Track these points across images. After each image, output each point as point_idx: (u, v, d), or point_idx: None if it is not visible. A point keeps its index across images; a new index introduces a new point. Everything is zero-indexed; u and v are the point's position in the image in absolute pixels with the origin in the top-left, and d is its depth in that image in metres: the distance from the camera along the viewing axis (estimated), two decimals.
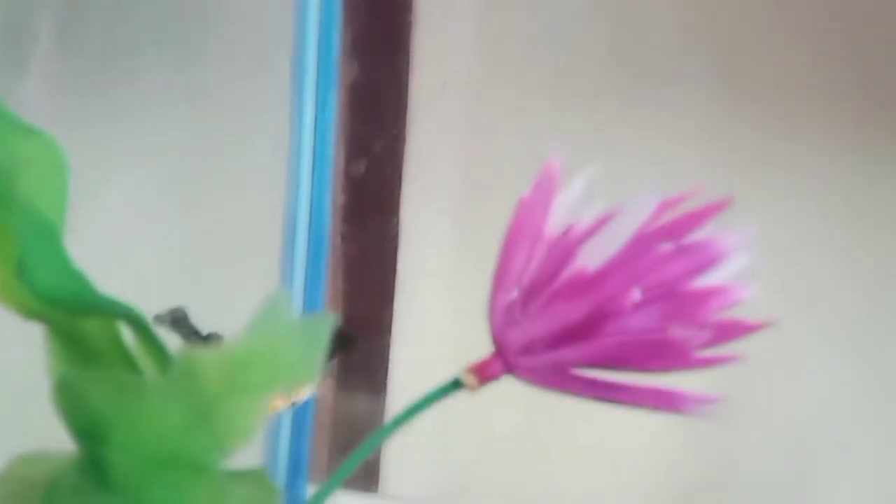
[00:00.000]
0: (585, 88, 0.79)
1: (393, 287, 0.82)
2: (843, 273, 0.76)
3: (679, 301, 0.37)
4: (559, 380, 0.38)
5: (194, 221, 0.80)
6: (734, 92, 0.77)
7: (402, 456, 0.81)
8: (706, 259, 0.37)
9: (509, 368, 0.38)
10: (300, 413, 0.74)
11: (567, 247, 0.37)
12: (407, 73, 0.83)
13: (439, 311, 0.81)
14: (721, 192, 0.75)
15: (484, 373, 0.38)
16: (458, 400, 0.79)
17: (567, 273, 0.37)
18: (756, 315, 0.37)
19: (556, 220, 0.38)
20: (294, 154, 0.74)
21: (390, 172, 0.84)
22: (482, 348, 0.39)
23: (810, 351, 0.76)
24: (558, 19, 0.79)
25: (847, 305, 0.77)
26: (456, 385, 0.38)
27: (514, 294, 0.38)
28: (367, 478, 0.83)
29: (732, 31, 0.77)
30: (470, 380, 0.38)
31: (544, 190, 0.37)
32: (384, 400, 0.82)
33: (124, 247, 0.80)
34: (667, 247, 0.36)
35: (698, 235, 0.37)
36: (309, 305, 0.75)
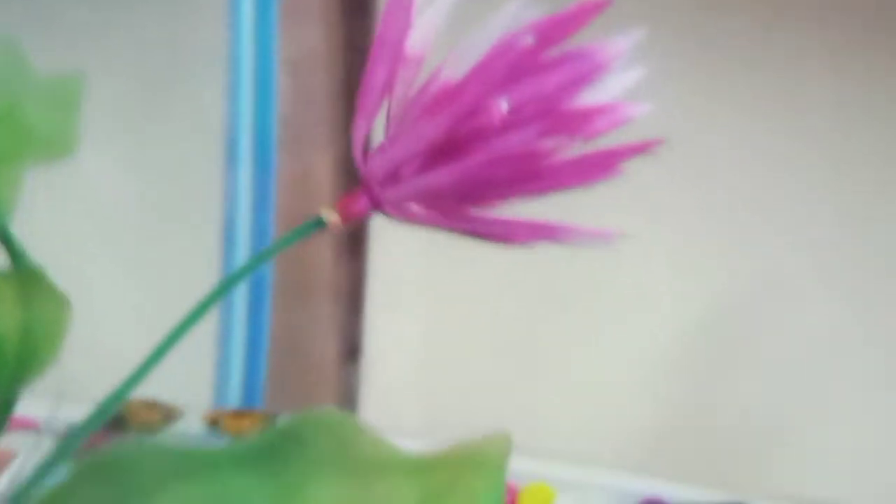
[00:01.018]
0: None
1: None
2: (836, 210, 0.73)
3: (560, 118, 0.33)
4: (428, 213, 0.34)
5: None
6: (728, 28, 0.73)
7: (381, 389, 0.78)
8: (587, 70, 0.33)
9: (375, 202, 0.34)
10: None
11: (431, 70, 0.33)
12: None
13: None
14: (720, 132, 0.72)
15: (348, 209, 0.34)
16: (441, 329, 0.76)
17: (429, 87, 0.33)
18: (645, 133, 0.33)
19: (419, 34, 0.34)
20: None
21: None
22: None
23: (804, 287, 0.73)
24: None
25: (841, 243, 0.73)
26: (319, 224, 0.34)
27: (376, 118, 0.34)
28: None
29: None
30: (333, 217, 0.34)
31: (399, 8, 0.33)
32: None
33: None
34: (529, 39, 0.31)
35: (579, 44, 0.33)
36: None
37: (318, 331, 0.87)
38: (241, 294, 0.77)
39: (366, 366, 0.83)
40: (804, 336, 0.72)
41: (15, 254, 0.29)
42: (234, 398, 0.75)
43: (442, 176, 0.33)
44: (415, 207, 0.34)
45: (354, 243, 0.90)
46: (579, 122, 0.33)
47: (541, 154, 0.32)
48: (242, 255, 0.74)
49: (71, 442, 0.33)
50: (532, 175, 0.32)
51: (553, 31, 0.32)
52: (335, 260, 0.89)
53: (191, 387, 0.71)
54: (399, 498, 0.29)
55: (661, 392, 0.74)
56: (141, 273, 0.77)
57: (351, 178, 0.92)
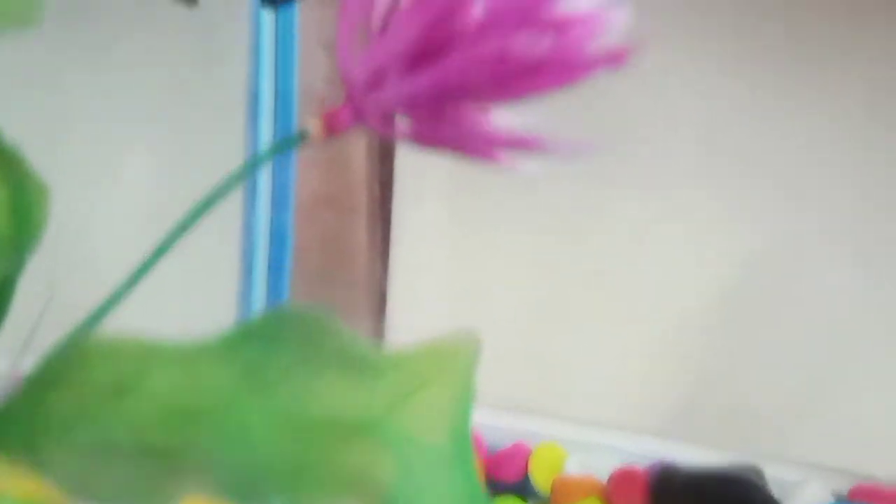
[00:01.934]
0: None
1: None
2: (858, 179, 0.73)
3: (538, 27, 0.33)
4: (410, 125, 0.34)
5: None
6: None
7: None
8: None
9: (359, 111, 0.35)
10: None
11: None
12: None
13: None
14: (741, 107, 0.72)
15: (332, 120, 0.35)
16: (465, 284, 0.76)
17: None
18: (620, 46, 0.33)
19: None
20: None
21: None
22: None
23: (825, 254, 0.72)
24: None
25: (862, 209, 0.73)
26: (302, 136, 0.35)
27: (359, 23, 0.35)
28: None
29: None
30: (317, 128, 0.35)
31: None
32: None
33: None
34: None
35: None
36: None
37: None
38: (260, 285, 0.78)
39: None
40: (826, 302, 0.72)
41: None
42: None
43: (420, 80, 0.33)
44: (398, 120, 0.34)
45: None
46: (556, 30, 0.33)
47: (516, 56, 0.32)
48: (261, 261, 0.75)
49: (65, 350, 0.33)
50: (508, 77, 0.33)
51: None
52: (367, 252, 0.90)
53: None
54: (369, 394, 0.30)
55: (681, 358, 0.74)
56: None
57: (385, 164, 0.93)
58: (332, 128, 0.35)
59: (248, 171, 0.33)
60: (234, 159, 0.80)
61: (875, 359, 0.71)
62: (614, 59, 0.33)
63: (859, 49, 0.72)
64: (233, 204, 0.76)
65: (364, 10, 0.34)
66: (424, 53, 0.33)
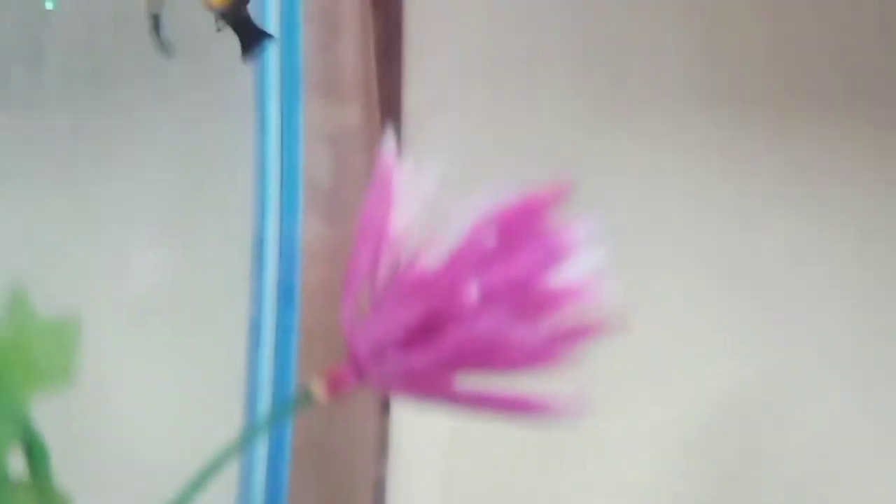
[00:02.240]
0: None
1: None
2: (857, 304, 0.74)
3: (527, 300, 0.35)
4: (412, 387, 0.36)
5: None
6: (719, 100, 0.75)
7: (406, 480, 0.80)
8: (554, 254, 0.35)
9: (361, 376, 0.37)
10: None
11: (411, 249, 0.36)
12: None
13: None
14: (742, 225, 0.73)
15: (336, 382, 0.37)
16: (462, 432, 0.78)
17: (409, 273, 0.35)
18: (611, 315, 0.35)
19: (402, 219, 0.36)
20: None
21: None
22: None
23: (824, 382, 0.74)
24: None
25: (862, 336, 0.74)
26: (307, 397, 0.37)
27: (362, 297, 0.37)
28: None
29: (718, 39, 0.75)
30: (321, 390, 0.37)
31: (384, 189, 0.36)
32: None
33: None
34: (491, 239, 0.34)
35: (544, 228, 0.35)
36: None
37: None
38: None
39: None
40: (823, 428, 0.73)
41: (37, 468, 0.32)
42: None
43: (419, 357, 0.35)
44: (398, 381, 0.36)
45: None
46: (546, 303, 0.35)
47: (510, 339, 0.34)
48: (267, 353, 0.77)
49: None
50: (501, 356, 0.34)
51: (515, 223, 0.35)
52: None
53: None
54: None
55: (679, 489, 0.75)
56: (165, 364, 0.81)
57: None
58: (336, 389, 0.37)
59: (263, 427, 0.35)
60: (242, 250, 0.81)
61: (875, 484, 0.73)
62: (604, 328, 0.35)
63: (857, 168, 0.73)
64: None
65: (366, 280, 0.36)
66: (422, 330, 0.35)
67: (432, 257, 0.35)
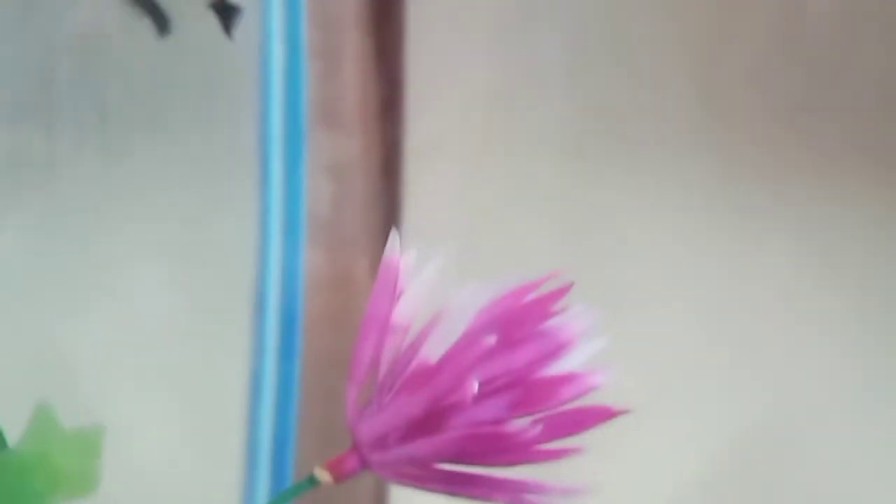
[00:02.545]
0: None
1: None
2: (861, 344, 0.75)
3: (527, 390, 0.36)
4: (415, 474, 0.37)
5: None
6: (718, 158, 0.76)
7: None
8: (553, 346, 0.36)
9: (364, 464, 0.38)
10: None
11: (414, 338, 0.37)
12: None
13: None
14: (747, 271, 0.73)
15: (339, 469, 0.38)
16: None
17: (411, 365, 0.36)
18: (613, 401, 0.36)
19: (405, 310, 0.37)
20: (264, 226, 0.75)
21: None
22: None
23: (829, 420, 0.75)
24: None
25: (865, 375, 0.75)
26: (312, 482, 0.38)
27: (365, 386, 0.38)
28: None
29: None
30: (325, 476, 0.38)
31: (388, 281, 0.37)
32: None
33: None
34: (492, 338, 0.35)
35: (545, 322, 0.36)
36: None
37: None
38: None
39: None
40: (827, 465, 0.74)
41: None
42: None
43: (421, 447, 0.36)
44: (400, 469, 0.37)
45: None
46: (546, 393, 0.36)
47: (510, 431, 0.35)
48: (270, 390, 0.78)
49: None
50: (502, 448, 0.35)
51: (515, 318, 0.36)
52: None
53: None
54: None
55: None
56: (165, 413, 0.81)
57: None
58: (340, 476, 0.38)
59: None
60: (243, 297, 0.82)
61: None
62: (602, 417, 0.36)
63: (855, 211, 0.74)
64: None
65: (369, 369, 0.37)
66: (424, 421, 0.36)
67: (434, 349, 0.36)
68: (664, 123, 0.77)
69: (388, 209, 0.94)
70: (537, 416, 0.36)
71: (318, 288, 0.93)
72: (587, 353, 0.36)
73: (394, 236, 0.37)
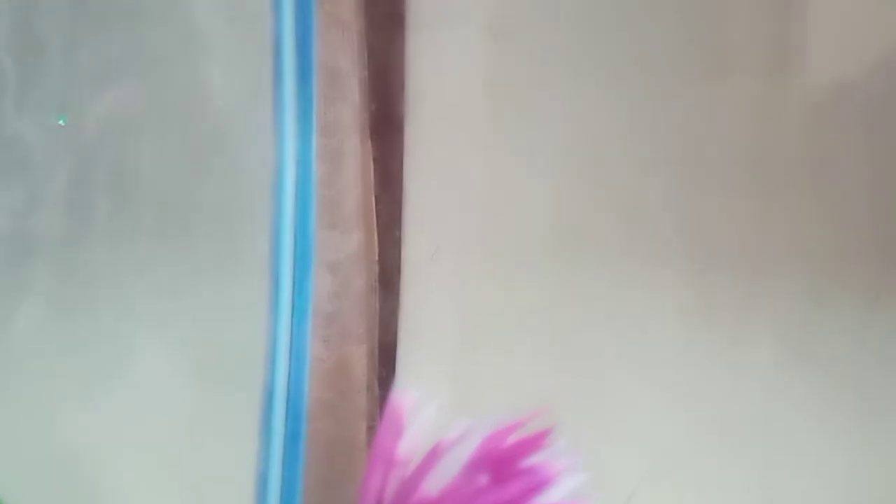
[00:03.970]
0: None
1: None
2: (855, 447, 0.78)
3: None
4: None
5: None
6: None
7: None
8: (539, 481, 0.41)
9: None
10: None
11: (415, 471, 0.42)
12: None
13: None
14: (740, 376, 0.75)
15: None
16: None
17: (413, 498, 0.41)
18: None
19: (408, 446, 0.42)
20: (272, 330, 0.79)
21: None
22: None
23: None
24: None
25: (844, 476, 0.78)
26: None
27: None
28: None
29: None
30: None
31: (394, 421, 0.42)
32: None
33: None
34: (485, 478, 0.40)
35: (531, 460, 0.41)
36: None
37: None
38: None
39: None
40: None
41: None
42: None
43: None
44: None
45: None
46: None
47: None
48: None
49: None
50: None
51: (504, 458, 0.41)
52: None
53: None
54: None
55: None
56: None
57: (383, 368, 0.99)
58: None
59: None
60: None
61: None
62: None
63: (847, 320, 0.77)
64: None
65: (378, 496, 0.42)
66: None
67: (434, 483, 0.41)
68: (643, 233, 0.81)
69: (384, 304, 0.98)
70: None
71: (316, 378, 0.96)
72: (570, 486, 0.41)
73: (400, 381, 0.42)
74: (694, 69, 0.81)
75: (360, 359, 0.99)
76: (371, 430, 1.00)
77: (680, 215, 0.81)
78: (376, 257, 0.98)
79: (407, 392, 0.43)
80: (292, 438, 0.82)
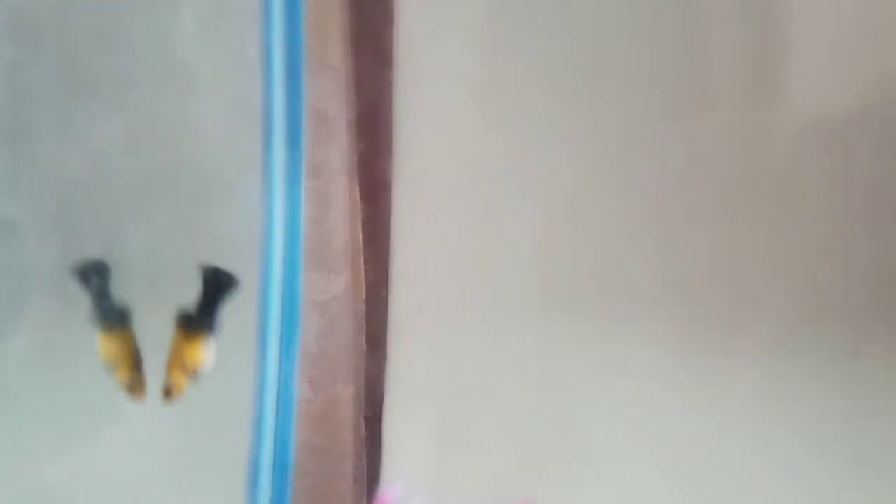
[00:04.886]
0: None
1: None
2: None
3: None
4: None
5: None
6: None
7: None
8: None
9: None
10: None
11: None
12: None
13: None
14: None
15: None
16: None
17: None
18: None
19: None
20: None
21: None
22: None
23: None
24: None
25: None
26: None
27: None
28: None
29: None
30: None
31: None
32: None
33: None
34: None
35: None
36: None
37: None
38: None
39: None
40: None
41: None
42: None
43: None
44: None
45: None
46: None
47: None
48: None
49: None
50: None
51: None
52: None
53: None
54: None
55: None
56: None
57: (369, 406, 0.98)
58: None
59: None
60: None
61: None
62: None
63: (810, 352, 0.78)
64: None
65: None
66: None
67: None
68: (624, 287, 0.82)
69: (371, 344, 0.98)
70: None
71: (302, 419, 0.96)
72: None
73: (390, 482, 0.43)
74: (679, 100, 0.81)
75: (346, 399, 0.99)
76: (358, 468, 0.99)
77: (664, 266, 0.82)
78: (363, 297, 0.98)
79: (392, 487, 0.43)
80: (280, 484, 0.82)
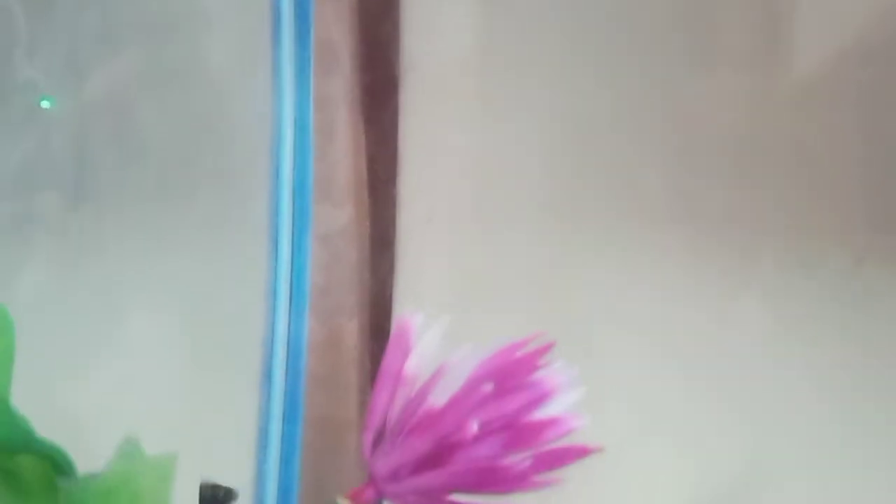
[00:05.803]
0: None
1: None
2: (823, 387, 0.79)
3: (518, 431, 0.43)
4: (422, 501, 0.44)
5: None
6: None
7: None
8: (539, 395, 0.43)
9: (380, 494, 0.44)
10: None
11: (421, 388, 0.44)
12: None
13: None
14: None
15: (359, 498, 0.45)
16: None
17: (420, 410, 0.43)
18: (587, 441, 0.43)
19: (414, 364, 0.44)
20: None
21: None
22: None
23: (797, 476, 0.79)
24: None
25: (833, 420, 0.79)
26: None
27: (381, 428, 0.45)
28: None
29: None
30: (346, 503, 0.45)
31: (401, 341, 0.44)
32: None
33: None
34: (489, 386, 0.42)
35: (532, 374, 0.43)
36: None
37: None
38: None
39: None
40: None
41: None
42: None
43: (429, 479, 0.43)
44: (410, 498, 0.44)
45: None
46: (533, 434, 0.43)
47: (503, 465, 0.42)
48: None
49: None
50: (497, 479, 0.43)
51: (507, 371, 0.43)
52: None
53: None
54: None
55: None
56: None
57: (375, 342, 0.99)
58: (358, 502, 0.45)
59: None
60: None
61: None
62: (580, 454, 0.43)
63: (834, 264, 0.79)
64: None
65: (383, 416, 0.44)
66: (431, 457, 0.43)
67: (440, 396, 0.43)
68: (633, 198, 0.83)
69: (377, 276, 0.99)
70: (527, 452, 0.43)
71: (309, 351, 0.97)
72: (568, 400, 0.43)
73: (405, 303, 0.44)
74: (684, 59, 0.83)
75: (351, 333, 1.00)
76: (363, 404, 1.01)
77: (670, 181, 0.83)
78: (368, 231, 1.00)
79: (413, 313, 0.45)
80: (291, 408, 0.84)
